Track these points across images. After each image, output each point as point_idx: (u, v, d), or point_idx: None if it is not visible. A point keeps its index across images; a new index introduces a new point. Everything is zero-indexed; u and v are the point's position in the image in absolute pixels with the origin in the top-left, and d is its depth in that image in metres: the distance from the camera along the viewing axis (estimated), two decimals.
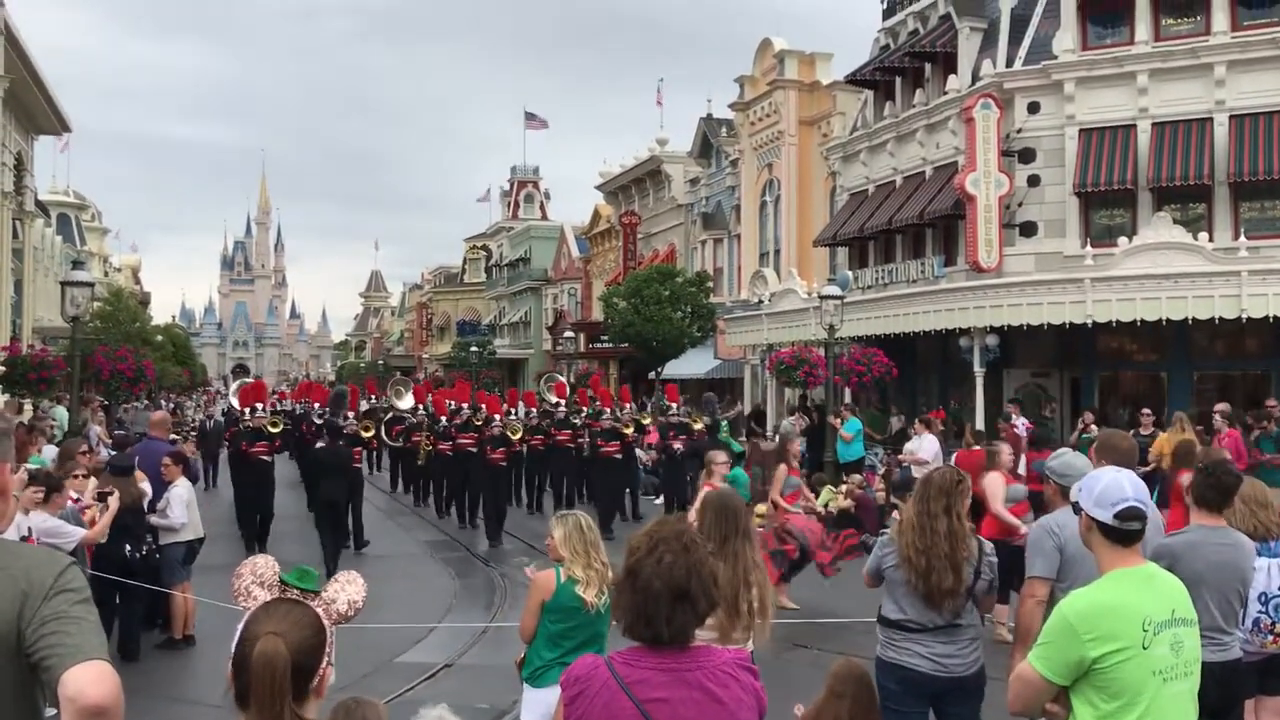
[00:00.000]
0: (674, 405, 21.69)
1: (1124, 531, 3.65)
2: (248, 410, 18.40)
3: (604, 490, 19.31)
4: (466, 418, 20.08)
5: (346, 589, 2.54)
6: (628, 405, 22.51)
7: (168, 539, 10.39)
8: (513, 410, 21.65)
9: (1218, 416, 16.20)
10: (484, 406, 20.32)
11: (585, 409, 22.32)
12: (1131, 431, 14.49)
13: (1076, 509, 3.85)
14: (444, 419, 21.22)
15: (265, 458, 16.91)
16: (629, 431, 19.91)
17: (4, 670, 2.44)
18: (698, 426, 20.58)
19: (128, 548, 9.68)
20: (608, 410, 21.02)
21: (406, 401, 24.02)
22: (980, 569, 5.25)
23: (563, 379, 26.77)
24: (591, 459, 19.95)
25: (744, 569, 5.12)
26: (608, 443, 19.33)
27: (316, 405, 23.31)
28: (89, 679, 2.30)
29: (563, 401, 22.76)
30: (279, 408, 22.76)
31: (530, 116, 68.73)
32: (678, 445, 19.84)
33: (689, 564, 2.87)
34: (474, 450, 18.87)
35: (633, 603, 2.86)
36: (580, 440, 21.00)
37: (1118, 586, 3.60)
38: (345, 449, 15.99)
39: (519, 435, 19.50)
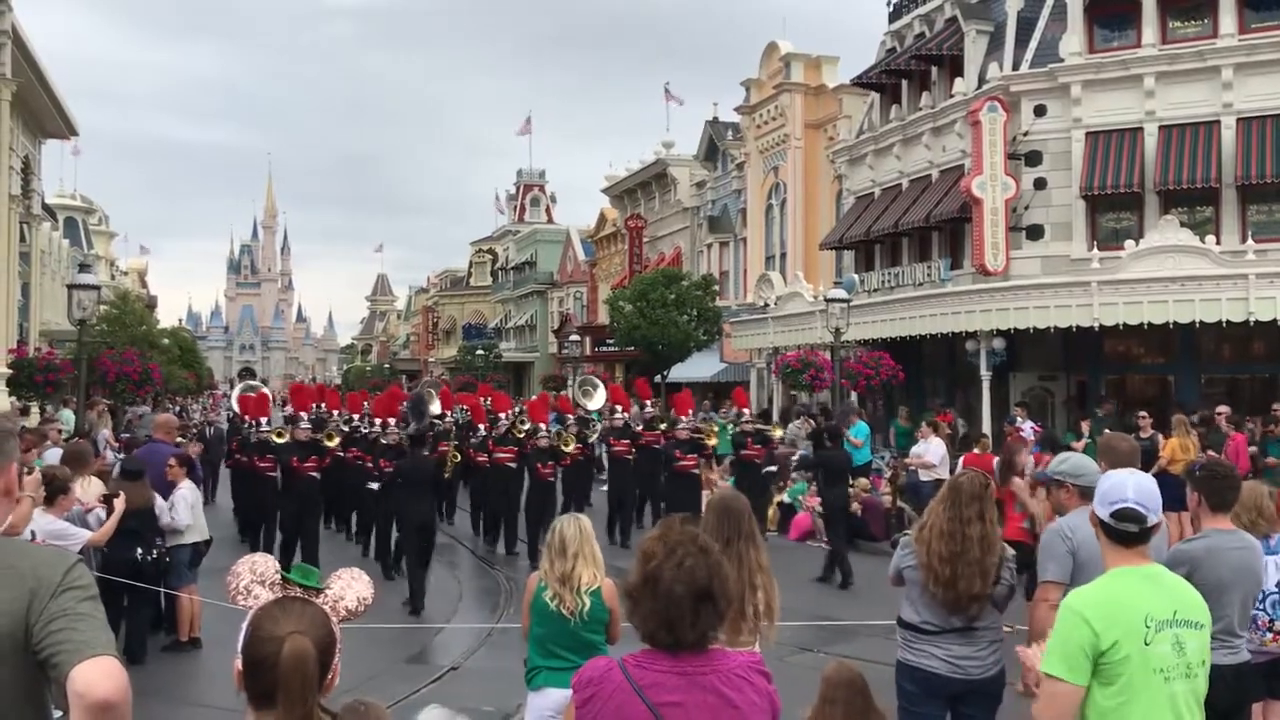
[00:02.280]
0: (745, 412, 19.60)
1: (1120, 532, 3.67)
2: (262, 420, 16.95)
3: (681, 509, 17.19)
4: (506, 428, 18.17)
5: (354, 585, 2.53)
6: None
7: (173, 541, 10.39)
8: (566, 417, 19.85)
9: (1223, 421, 16.15)
10: (528, 413, 18.67)
11: (624, 415, 20.15)
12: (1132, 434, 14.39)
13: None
14: (481, 428, 18.94)
15: (315, 474, 15.00)
16: (713, 443, 18.10)
17: (13, 668, 2.44)
18: (778, 434, 19.13)
19: (139, 551, 9.70)
20: (683, 418, 18.29)
21: (434, 407, 21.30)
22: (1001, 574, 5.25)
23: (591, 382, 24.11)
24: (668, 472, 17.62)
25: (749, 571, 5.12)
26: (686, 454, 17.17)
27: (337, 412, 21.08)
28: (97, 674, 2.30)
29: (618, 407, 20.62)
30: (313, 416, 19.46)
31: (528, 122, 69.91)
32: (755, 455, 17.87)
33: (709, 565, 2.86)
34: (513, 465, 17.19)
35: (654, 609, 2.82)
36: (631, 452, 18.69)
37: (1119, 582, 3.63)
38: (432, 461, 14.38)
39: (572, 448, 17.49)
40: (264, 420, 17.25)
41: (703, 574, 2.82)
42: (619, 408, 20.37)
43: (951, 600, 5.14)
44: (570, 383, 42.79)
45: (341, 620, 2.47)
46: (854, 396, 21.20)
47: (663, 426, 19.14)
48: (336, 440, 16.26)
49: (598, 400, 22.11)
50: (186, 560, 10.55)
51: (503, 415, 18.81)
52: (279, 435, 15.85)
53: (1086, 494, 5.13)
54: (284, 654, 2.28)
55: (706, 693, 2.81)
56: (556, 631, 5.53)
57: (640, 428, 19.38)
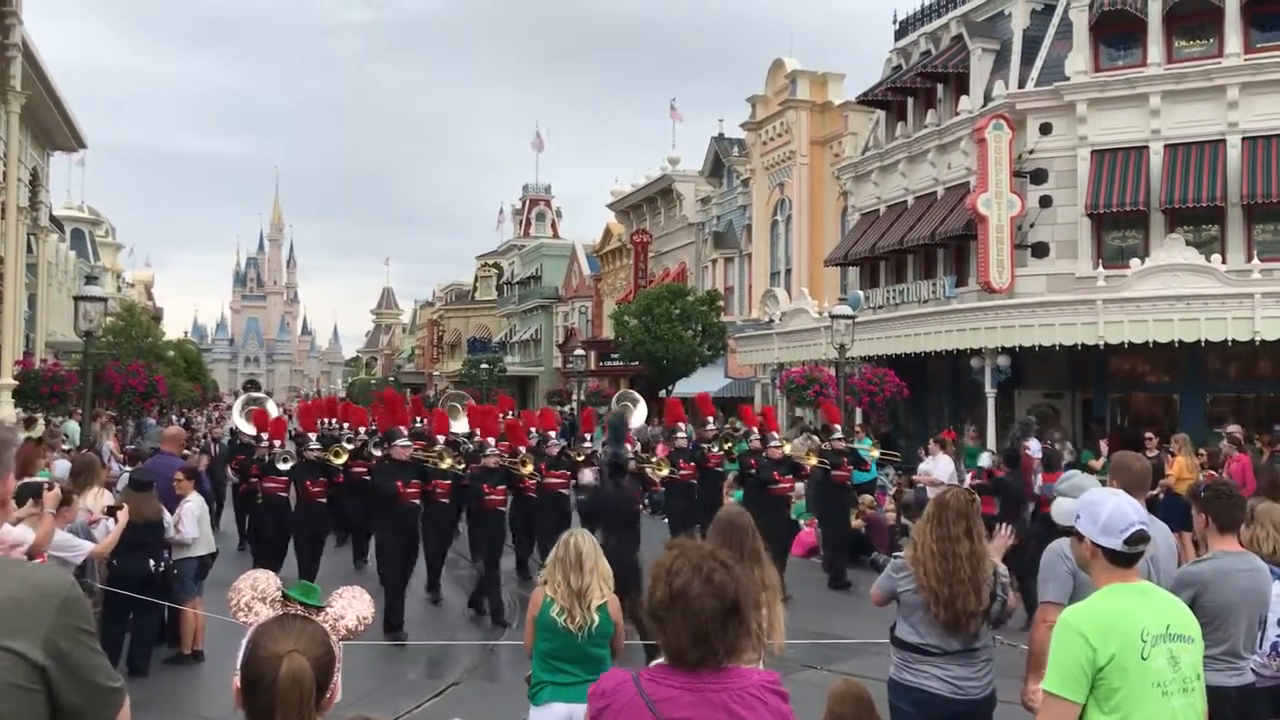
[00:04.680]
0: (836, 427, 17.32)
1: (1132, 556, 3.73)
2: (311, 437, 14.89)
3: (774, 537, 14.94)
4: (559, 451, 15.94)
5: (354, 604, 2.53)
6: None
7: (180, 554, 10.41)
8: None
9: (1225, 441, 16.09)
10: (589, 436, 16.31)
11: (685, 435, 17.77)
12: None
13: (1078, 534, 3.89)
14: (522, 450, 15.10)
15: (417, 501, 12.90)
16: (813, 462, 15.93)
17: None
18: (875, 455, 17.66)
19: (151, 562, 9.72)
20: (775, 435, 16.27)
21: (460, 424, 18.38)
22: (994, 590, 5.22)
23: (631, 397, 20.81)
24: (760, 498, 14.89)
25: (754, 589, 5.11)
26: (783, 476, 15.15)
27: (360, 430, 18.15)
28: None
29: (681, 426, 18.10)
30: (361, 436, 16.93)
31: (538, 136, 70.09)
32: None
33: (735, 579, 2.86)
34: (566, 491, 15.27)
35: (683, 625, 2.79)
36: (696, 476, 16.85)
37: (1114, 598, 3.68)
38: (629, 491, 12.50)
39: (665, 473, 15.29)
40: (312, 436, 15.08)
41: (731, 587, 2.83)
42: (681, 426, 18.23)
43: (951, 620, 5.11)
44: (575, 397, 42.75)
45: (342, 639, 2.47)
46: (1031, 415, 18.65)
47: (727, 446, 17.94)
48: (449, 461, 13.76)
49: (638, 416, 20.05)
50: (192, 573, 10.56)
51: (552, 434, 16.51)
52: (336, 455, 14.26)
53: None
54: (281, 673, 2.29)
55: (718, 710, 2.79)
56: (562, 646, 5.54)
57: (711, 449, 17.62)
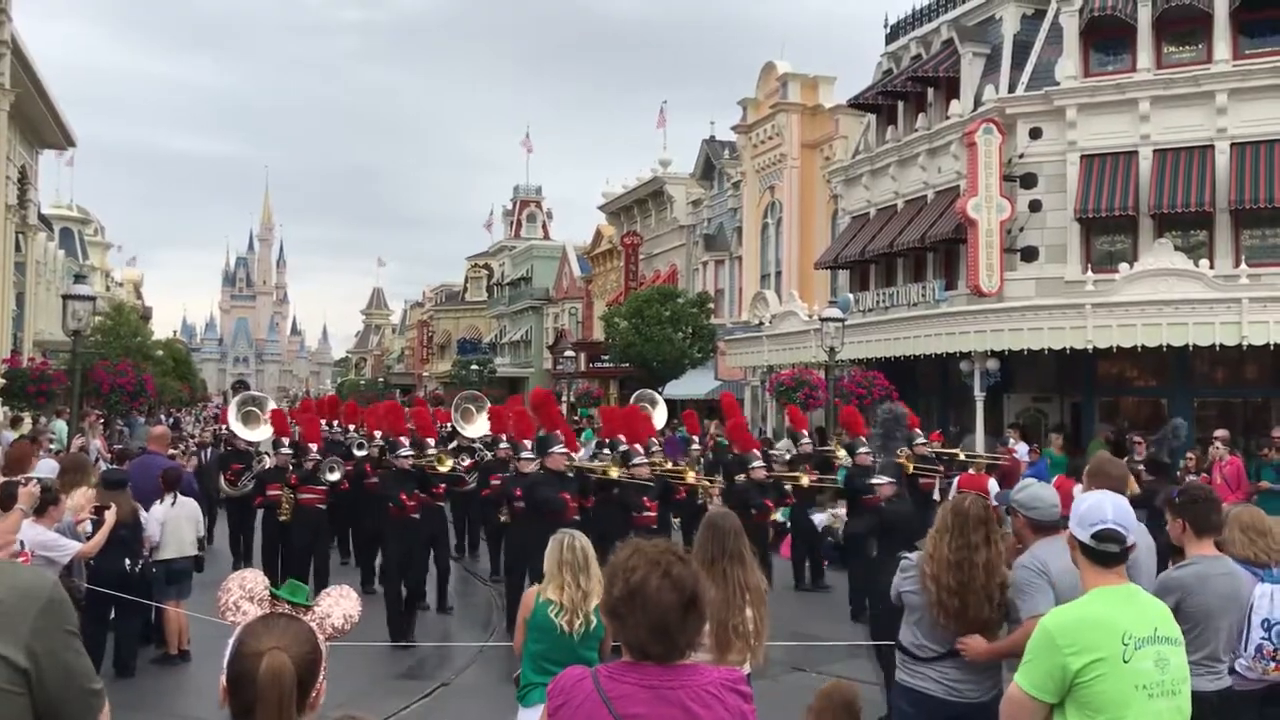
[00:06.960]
0: (917, 432, 15.69)
1: (1100, 553, 3.73)
2: (401, 443, 12.72)
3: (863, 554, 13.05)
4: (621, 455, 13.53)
5: (341, 603, 2.53)
6: (804, 433, 16.81)
7: (153, 556, 10.41)
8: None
9: (1219, 444, 16.10)
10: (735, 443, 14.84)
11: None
12: (1125, 459, 14.16)
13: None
14: (574, 456, 13.02)
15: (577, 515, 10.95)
16: (911, 467, 14.15)
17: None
18: (962, 457, 16.30)
19: (126, 561, 9.69)
20: (862, 439, 14.77)
21: (478, 427, 16.47)
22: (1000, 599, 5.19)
23: (650, 398, 18.02)
24: (854, 506, 13.91)
25: (734, 590, 5.11)
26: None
27: (375, 433, 16.28)
28: None
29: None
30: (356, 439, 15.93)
31: (527, 138, 70.26)
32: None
33: (693, 574, 2.90)
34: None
35: (644, 620, 2.81)
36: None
37: (1098, 602, 3.69)
38: (914, 509, 11.10)
39: (808, 481, 13.71)
40: (404, 442, 13.00)
41: (690, 581, 2.86)
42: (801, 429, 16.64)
43: (962, 631, 5.06)
44: (565, 399, 42.67)
45: (328, 638, 2.47)
46: (1178, 419, 16.11)
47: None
48: (617, 472, 12.23)
49: (658, 419, 18.11)
50: (163, 576, 10.48)
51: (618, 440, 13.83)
52: (440, 462, 12.86)
53: (1039, 527, 5.07)
54: (262, 670, 2.29)
55: (673, 707, 2.81)
56: (554, 648, 5.54)
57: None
